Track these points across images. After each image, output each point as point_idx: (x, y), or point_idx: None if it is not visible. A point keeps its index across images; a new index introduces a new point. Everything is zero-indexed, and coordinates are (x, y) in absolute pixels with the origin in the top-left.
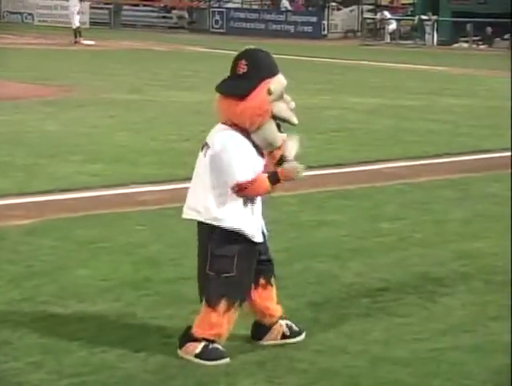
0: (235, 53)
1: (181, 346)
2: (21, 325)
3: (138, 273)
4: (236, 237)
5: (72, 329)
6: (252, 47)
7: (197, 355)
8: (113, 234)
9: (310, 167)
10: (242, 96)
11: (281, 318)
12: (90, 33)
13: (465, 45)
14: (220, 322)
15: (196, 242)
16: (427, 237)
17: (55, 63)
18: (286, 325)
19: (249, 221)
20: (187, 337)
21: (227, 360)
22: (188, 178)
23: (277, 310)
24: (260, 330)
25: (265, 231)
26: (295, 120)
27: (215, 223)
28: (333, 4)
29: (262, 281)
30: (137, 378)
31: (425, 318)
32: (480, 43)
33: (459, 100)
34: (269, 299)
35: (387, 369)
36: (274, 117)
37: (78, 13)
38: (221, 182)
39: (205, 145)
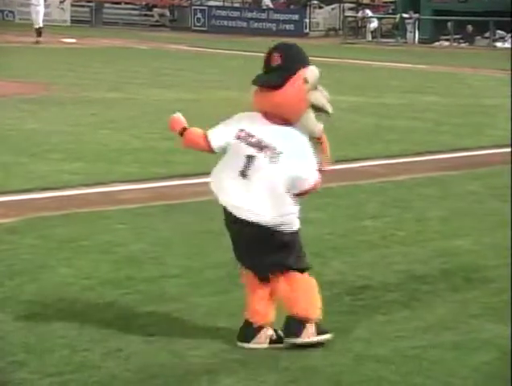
0: (217, 51)
1: (298, 334)
2: (3, 324)
3: (119, 272)
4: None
5: (54, 328)
6: (282, 41)
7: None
8: (93, 233)
9: None
10: (279, 86)
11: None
12: (71, 31)
13: (446, 43)
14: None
15: (177, 240)
16: (409, 235)
17: (36, 61)
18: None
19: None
20: (297, 323)
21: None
22: (169, 177)
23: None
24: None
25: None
26: (330, 108)
27: None
28: (315, 2)
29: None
30: (119, 377)
31: (407, 316)
32: (461, 41)
33: (440, 98)
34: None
35: (369, 367)
36: (312, 106)
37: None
38: None
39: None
